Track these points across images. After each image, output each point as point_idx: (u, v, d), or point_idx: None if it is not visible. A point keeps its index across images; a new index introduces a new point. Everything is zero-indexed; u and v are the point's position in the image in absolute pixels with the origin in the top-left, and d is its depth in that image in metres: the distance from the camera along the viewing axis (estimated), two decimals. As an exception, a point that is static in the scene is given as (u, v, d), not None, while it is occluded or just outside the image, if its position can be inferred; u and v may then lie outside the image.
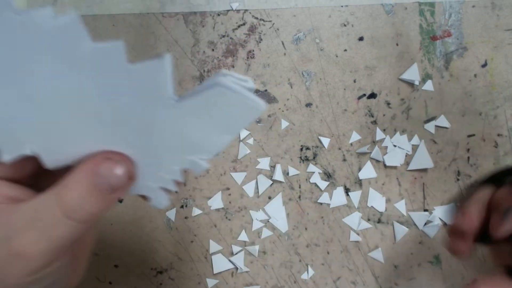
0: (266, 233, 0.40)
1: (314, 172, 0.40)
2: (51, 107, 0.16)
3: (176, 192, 0.19)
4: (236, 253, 0.40)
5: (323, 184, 0.40)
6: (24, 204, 0.16)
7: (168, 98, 0.15)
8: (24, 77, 0.15)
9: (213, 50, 0.40)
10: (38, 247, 0.15)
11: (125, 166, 0.16)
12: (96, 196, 0.16)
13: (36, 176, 0.19)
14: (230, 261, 0.40)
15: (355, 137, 0.40)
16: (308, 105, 0.40)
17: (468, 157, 0.41)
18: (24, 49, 0.14)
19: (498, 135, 0.41)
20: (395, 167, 0.40)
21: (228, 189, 0.40)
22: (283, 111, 0.40)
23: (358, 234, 0.40)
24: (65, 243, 0.16)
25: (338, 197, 0.40)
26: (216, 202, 0.40)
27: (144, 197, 0.20)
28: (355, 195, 0.40)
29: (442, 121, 0.40)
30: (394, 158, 0.40)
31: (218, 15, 0.40)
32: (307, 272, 0.40)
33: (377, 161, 0.40)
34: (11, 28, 0.13)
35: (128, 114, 0.16)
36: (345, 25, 0.40)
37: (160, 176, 0.19)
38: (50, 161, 0.17)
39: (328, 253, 0.40)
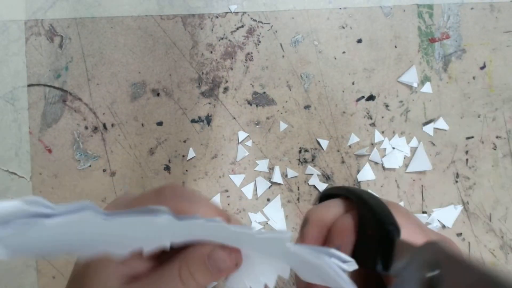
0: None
1: (312, 174, 0.40)
2: None
3: None
4: (234, 255, 0.40)
5: (321, 186, 0.40)
6: (152, 276, 0.20)
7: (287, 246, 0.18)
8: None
9: (211, 52, 0.40)
10: None
11: (234, 256, 0.20)
12: (205, 273, 0.19)
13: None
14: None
15: (353, 139, 0.40)
16: (307, 107, 0.40)
17: (467, 159, 0.41)
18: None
19: (497, 137, 0.41)
20: (393, 169, 0.40)
21: (226, 191, 0.40)
22: (281, 113, 0.40)
23: (356, 236, 0.40)
24: None
25: (336, 199, 0.40)
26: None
27: None
28: (354, 197, 0.40)
29: (441, 123, 0.40)
30: (393, 160, 0.40)
31: (217, 17, 0.40)
32: (306, 274, 0.40)
33: (376, 163, 0.40)
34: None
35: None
36: (343, 28, 0.40)
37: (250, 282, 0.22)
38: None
39: (326, 255, 0.40)
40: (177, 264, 0.20)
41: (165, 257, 0.21)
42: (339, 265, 0.17)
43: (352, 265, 0.18)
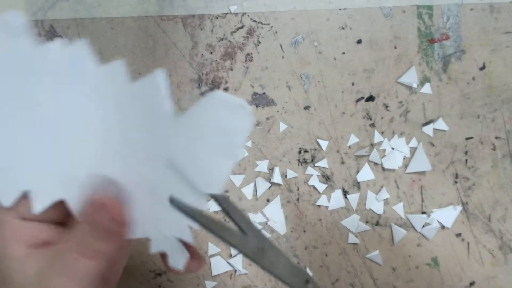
0: (265, 235, 0.40)
1: (312, 175, 0.40)
2: (61, 135, 0.17)
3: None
4: (234, 255, 0.40)
5: (321, 187, 0.40)
6: (52, 248, 0.19)
7: (167, 111, 0.16)
8: (34, 107, 0.16)
9: (211, 53, 0.40)
10: None
11: (117, 213, 0.18)
12: (98, 238, 0.18)
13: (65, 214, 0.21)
14: (228, 263, 0.40)
15: (353, 139, 0.40)
16: (307, 107, 0.40)
17: (466, 160, 0.41)
18: (37, 78, 0.15)
19: (496, 137, 0.41)
20: (393, 170, 0.40)
21: (226, 191, 0.40)
22: (281, 113, 0.40)
23: (356, 237, 0.40)
24: (92, 279, 0.18)
25: (336, 200, 0.40)
26: (215, 204, 0.40)
27: (163, 257, 0.21)
28: (354, 198, 0.40)
29: (440, 123, 0.40)
30: (392, 161, 0.40)
31: (217, 18, 0.40)
32: (306, 275, 0.40)
33: (375, 163, 0.40)
34: (28, 57, 0.14)
35: (134, 133, 0.17)
36: (343, 28, 0.40)
37: (171, 225, 0.19)
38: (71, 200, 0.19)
39: (326, 255, 0.40)
40: (68, 235, 0.19)
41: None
42: None
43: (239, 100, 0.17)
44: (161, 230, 0.19)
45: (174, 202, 0.16)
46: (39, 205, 0.18)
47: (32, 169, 0.17)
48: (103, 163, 0.18)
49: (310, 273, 0.40)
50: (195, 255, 0.21)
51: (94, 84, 0.16)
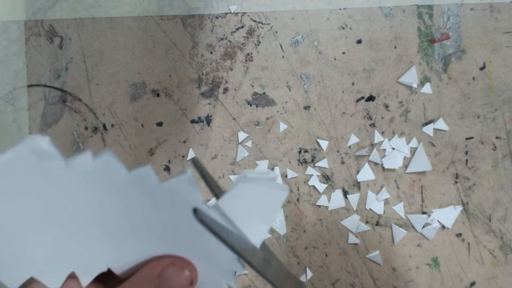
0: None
1: (312, 175, 0.40)
2: (110, 229, 0.18)
3: None
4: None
5: (321, 187, 0.40)
6: None
7: (200, 204, 0.17)
8: (75, 214, 0.17)
9: (211, 53, 0.40)
10: None
11: (188, 273, 0.18)
12: None
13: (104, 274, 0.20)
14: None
15: (353, 139, 0.40)
16: (307, 107, 0.40)
17: (467, 160, 0.41)
18: (70, 190, 0.16)
19: (497, 137, 0.41)
20: (393, 170, 0.40)
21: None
22: (281, 114, 0.40)
23: (356, 237, 0.40)
24: None
25: (336, 200, 0.40)
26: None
27: None
28: (354, 198, 0.40)
29: (441, 123, 0.40)
30: (393, 161, 0.40)
31: (217, 18, 0.40)
32: (306, 275, 0.40)
33: (376, 163, 0.40)
34: (58, 173, 0.16)
35: (173, 223, 0.18)
36: (343, 28, 0.40)
37: (217, 281, 0.20)
38: (118, 269, 0.19)
39: (326, 255, 0.40)
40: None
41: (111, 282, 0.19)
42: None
43: (272, 173, 0.18)
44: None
45: (198, 214, 0.17)
46: (85, 280, 0.19)
47: (77, 253, 0.18)
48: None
49: (311, 274, 0.40)
50: None
51: (126, 190, 0.17)
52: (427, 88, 0.40)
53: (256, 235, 0.18)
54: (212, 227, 0.16)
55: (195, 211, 0.16)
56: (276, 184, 0.18)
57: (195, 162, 0.20)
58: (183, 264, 0.18)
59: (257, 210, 0.18)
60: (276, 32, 0.40)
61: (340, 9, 0.40)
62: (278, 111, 0.40)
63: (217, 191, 0.20)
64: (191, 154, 0.40)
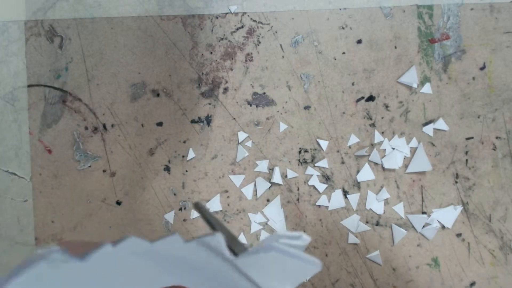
0: (264, 235, 0.40)
1: (312, 175, 0.40)
2: None
3: None
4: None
5: (321, 187, 0.40)
6: None
7: (227, 258, 0.16)
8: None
9: (211, 53, 0.40)
10: None
11: None
12: None
13: None
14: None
15: (353, 139, 0.40)
16: (307, 107, 0.40)
17: (467, 160, 0.41)
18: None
19: (497, 137, 0.41)
20: (393, 170, 0.40)
21: (226, 191, 0.40)
22: (281, 114, 0.40)
23: (356, 237, 0.40)
24: None
25: (336, 200, 0.40)
26: (215, 204, 0.40)
27: None
28: (354, 198, 0.40)
29: (441, 123, 0.40)
30: (393, 161, 0.40)
31: (217, 18, 0.40)
32: (306, 275, 0.40)
33: (376, 163, 0.40)
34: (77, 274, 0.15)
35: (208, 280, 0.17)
36: (343, 28, 0.40)
37: None
38: None
39: (326, 255, 0.40)
40: None
41: None
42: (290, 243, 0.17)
43: (304, 237, 0.17)
44: None
45: (197, 206, 0.16)
46: None
47: None
48: None
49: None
50: None
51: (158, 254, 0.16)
52: (427, 88, 0.40)
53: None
54: (205, 215, 0.16)
55: (196, 204, 0.16)
56: (309, 258, 0.17)
57: (200, 207, 0.19)
58: None
59: (282, 274, 0.18)
60: (276, 32, 0.40)
61: (340, 9, 0.40)
62: (278, 111, 0.40)
63: (223, 233, 0.20)
64: (191, 154, 0.40)
